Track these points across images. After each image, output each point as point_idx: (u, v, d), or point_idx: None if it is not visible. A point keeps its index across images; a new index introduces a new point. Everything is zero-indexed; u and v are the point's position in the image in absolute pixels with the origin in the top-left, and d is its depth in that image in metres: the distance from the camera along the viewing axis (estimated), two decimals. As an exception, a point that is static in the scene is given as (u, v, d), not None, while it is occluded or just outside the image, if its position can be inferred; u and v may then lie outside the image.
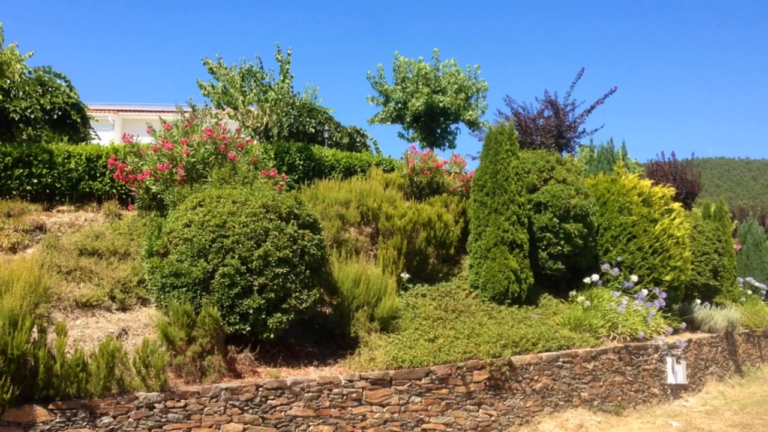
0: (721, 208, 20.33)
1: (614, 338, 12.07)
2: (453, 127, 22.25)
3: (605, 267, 13.53)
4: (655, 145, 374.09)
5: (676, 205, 14.84)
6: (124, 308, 9.11)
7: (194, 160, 11.15)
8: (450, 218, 13.13)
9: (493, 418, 9.68)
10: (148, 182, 11.18)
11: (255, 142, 14.77)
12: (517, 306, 12.15)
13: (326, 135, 19.71)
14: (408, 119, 21.37)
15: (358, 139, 21.65)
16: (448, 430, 9.20)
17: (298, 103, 17.46)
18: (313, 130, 19.36)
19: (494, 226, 12.44)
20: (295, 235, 8.51)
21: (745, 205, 44.52)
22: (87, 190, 12.08)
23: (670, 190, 14.92)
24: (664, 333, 13.00)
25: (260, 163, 11.87)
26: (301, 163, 14.48)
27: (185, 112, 16.02)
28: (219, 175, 10.49)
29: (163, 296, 8.18)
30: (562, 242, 13.12)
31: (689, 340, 13.81)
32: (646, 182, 14.55)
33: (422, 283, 12.17)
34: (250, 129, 16.51)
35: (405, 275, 11.71)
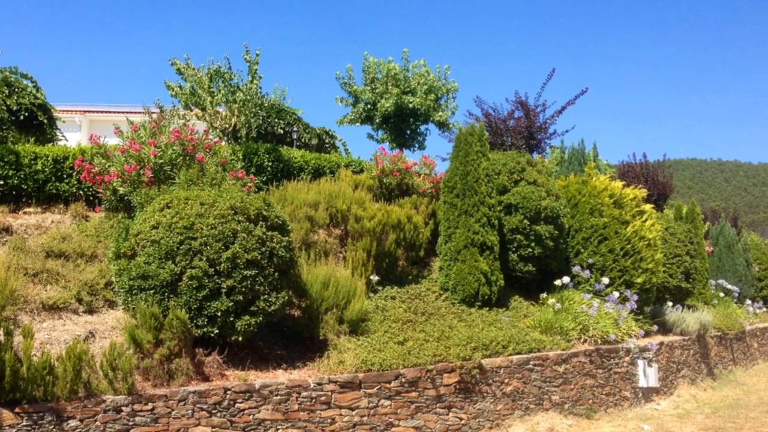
0: (693, 210, 20.62)
1: (585, 341, 12.15)
2: (423, 128, 22.36)
3: (576, 269, 13.62)
4: (627, 146, 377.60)
5: (648, 206, 14.99)
6: (91, 311, 9.05)
7: (162, 161, 11.09)
8: (420, 220, 13.17)
9: (463, 422, 9.73)
10: (115, 184, 11.10)
11: (223, 143, 14.75)
12: (487, 308, 12.21)
13: (295, 136, 19.72)
14: (377, 120, 21.43)
15: (327, 141, 21.67)
16: None
17: (266, 104, 17.45)
18: (282, 131, 19.36)
19: (464, 227, 12.51)
20: (264, 237, 8.51)
21: (717, 206, 45.16)
22: (54, 191, 11.95)
23: (642, 192, 15.05)
24: (635, 336, 13.12)
25: (228, 165, 11.84)
26: (270, 164, 14.44)
27: (153, 113, 15.93)
28: (187, 177, 10.45)
29: (130, 299, 8.14)
30: (533, 244, 13.20)
31: (661, 343, 13.97)
32: (618, 184, 14.67)
33: (392, 285, 12.19)
34: (218, 130, 16.44)
35: (374, 277, 11.73)
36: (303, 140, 20.22)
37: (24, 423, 6.49)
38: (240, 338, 8.30)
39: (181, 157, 11.29)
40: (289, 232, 9.31)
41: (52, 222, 11.14)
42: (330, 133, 22.05)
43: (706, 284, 19.23)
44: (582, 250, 14.07)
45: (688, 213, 20.51)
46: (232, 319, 8.14)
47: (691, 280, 16.80)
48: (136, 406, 7.13)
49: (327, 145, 21.55)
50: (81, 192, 12.11)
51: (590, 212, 14.15)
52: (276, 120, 19.21)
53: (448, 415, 9.57)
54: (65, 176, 12.07)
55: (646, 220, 14.43)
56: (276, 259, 8.62)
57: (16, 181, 11.62)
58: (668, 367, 14.21)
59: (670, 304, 15.98)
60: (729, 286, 20.80)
